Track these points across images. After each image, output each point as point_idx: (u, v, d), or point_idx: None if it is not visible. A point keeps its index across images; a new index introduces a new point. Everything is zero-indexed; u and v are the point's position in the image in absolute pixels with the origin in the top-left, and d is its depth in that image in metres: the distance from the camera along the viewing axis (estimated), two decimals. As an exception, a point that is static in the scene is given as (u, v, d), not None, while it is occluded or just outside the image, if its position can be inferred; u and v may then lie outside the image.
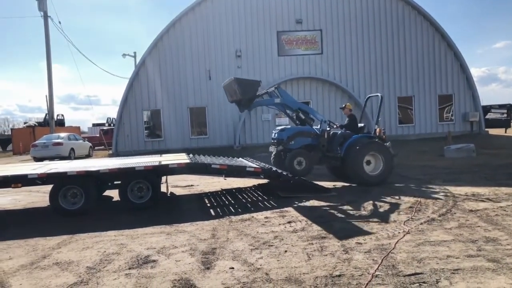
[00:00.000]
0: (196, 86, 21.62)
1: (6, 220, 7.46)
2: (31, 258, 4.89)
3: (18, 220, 7.40)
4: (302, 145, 8.95)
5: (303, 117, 9.09)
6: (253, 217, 6.48)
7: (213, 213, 7.09)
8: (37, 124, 33.72)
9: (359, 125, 9.66)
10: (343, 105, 10.04)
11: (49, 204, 7.39)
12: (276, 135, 9.21)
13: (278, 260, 4.36)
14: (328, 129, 9.25)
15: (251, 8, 21.74)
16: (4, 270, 4.50)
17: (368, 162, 8.87)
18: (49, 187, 7.48)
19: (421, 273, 3.80)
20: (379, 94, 9.85)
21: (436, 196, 7.47)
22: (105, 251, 5.00)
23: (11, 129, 38.09)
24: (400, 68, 22.53)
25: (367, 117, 21.80)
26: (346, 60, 22.24)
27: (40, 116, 44.96)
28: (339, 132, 9.37)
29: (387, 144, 9.21)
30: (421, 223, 5.60)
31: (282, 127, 9.45)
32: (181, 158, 8.59)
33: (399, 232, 5.19)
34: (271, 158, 9.63)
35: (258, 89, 8.87)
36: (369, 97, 10.55)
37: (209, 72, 21.57)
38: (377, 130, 9.37)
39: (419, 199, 7.23)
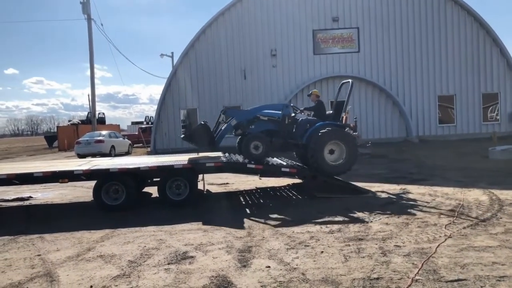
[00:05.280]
0: (231, 85, 21.85)
1: (54, 214, 7.87)
2: (77, 250, 5.15)
3: (65, 214, 7.80)
4: (263, 130, 8.56)
5: (266, 118, 8.67)
6: (288, 216, 6.48)
7: (248, 211, 7.16)
8: (80, 122, 35.32)
9: (328, 112, 9.12)
10: (310, 92, 9.58)
11: (92, 199, 7.73)
12: None
13: (314, 261, 4.34)
14: (293, 114, 8.77)
15: (287, 7, 21.66)
16: (52, 261, 4.76)
17: (332, 151, 8.27)
18: (91, 183, 7.83)
19: (464, 279, 3.67)
20: (350, 80, 9.13)
21: (480, 199, 7.15)
22: (145, 246, 5.18)
23: (57, 127, 40.16)
24: (441, 66, 21.68)
25: (406, 117, 21.29)
26: (384, 58, 21.70)
27: (83, 114, 47.09)
28: (305, 118, 8.90)
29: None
30: (464, 227, 5.38)
31: (246, 109, 8.97)
32: (218, 157, 8.73)
33: (440, 236, 5.02)
34: (236, 143, 9.27)
35: (209, 126, 8.50)
36: (343, 83, 9.54)
37: (244, 72, 21.72)
38: (344, 117, 8.71)
39: (461, 202, 6.96)
